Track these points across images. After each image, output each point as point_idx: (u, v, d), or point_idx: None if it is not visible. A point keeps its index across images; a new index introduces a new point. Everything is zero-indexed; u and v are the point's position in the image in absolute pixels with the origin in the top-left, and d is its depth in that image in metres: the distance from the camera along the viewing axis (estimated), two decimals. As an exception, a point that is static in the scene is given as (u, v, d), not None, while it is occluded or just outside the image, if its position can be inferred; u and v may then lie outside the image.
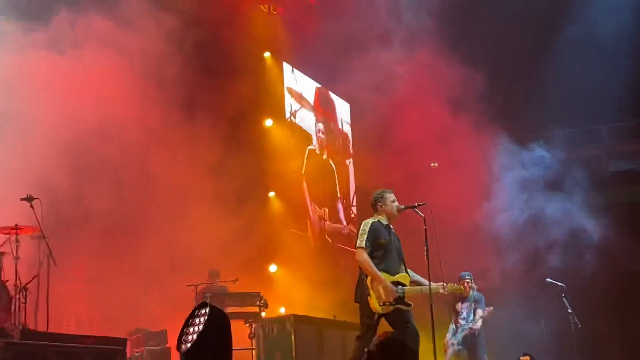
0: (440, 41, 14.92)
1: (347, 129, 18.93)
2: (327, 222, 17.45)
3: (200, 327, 3.67)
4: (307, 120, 17.36)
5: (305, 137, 17.15)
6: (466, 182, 14.45)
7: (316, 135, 17.68)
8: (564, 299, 11.44)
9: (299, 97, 17.13)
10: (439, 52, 14.81)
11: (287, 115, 16.55)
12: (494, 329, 11.13)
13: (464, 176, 14.52)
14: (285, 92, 16.56)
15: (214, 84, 14.00)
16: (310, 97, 17.60)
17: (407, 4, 15.75)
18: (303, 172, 16.69)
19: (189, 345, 3.70)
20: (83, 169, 11.32)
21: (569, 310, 11.34)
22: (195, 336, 3.67)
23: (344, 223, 17.96)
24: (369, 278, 7.56)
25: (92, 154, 11.41)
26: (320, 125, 17.94)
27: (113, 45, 11.63)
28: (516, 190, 14.67)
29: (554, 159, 14.84)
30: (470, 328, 10.65)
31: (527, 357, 8.48)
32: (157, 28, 12.17)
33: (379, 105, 15.84)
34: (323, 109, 18.12)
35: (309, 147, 17.21)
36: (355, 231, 8.00)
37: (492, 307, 10.97)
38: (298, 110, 17.01)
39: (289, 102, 16.65)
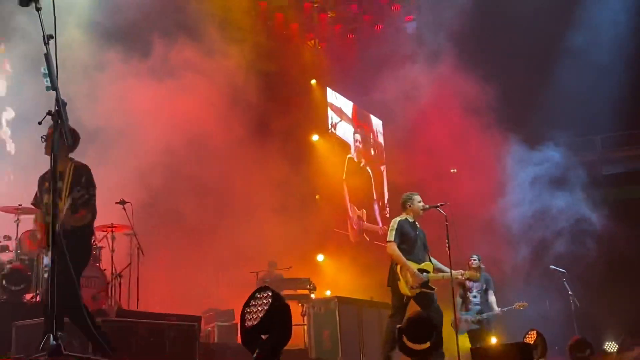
0: (459, 59, 14.72)
1: (380, 138, 18.74)
2: (365, 222, 17.16)
3: (266, 307, 3.73)
4: (346, 131, 17.19)
5: (345, 146, 17.02)
6: (481, 180, 14.29)
7: (354, 144, 17.46)
8: (565, 283, 11.31)
9: (339, 112, 16.99)
10: (458, 69, 14.59)
11: (329, 126, 16.48)
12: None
13: (479, 175, 14.38)
14: (328, 108, 16.56)
15: (275, 107, 14.06)
16: (349, 112, 17.48)
17: (430, 30, 15.63)
18: (343, 177, 16.58)
19: (255, 322, 3.76)
20: (171, 178, 11.49)
21: (570, 293, 11.22)
22: (261, 315, 3.73)
23: (380, 223, 17.49)
24: (398, 266, 7.56)
25: (179, 165, 11.57)
26: (358, 136, 17.72)
27: (200, 72, 11.80)
28: (524, 188, 14.52)
29: (557, 160, 14.64)
30: (495, 315, 10.24)
31: (535, 332, 8.33)
32: (236, 58, 12.31)
33: (408, 117, 15.71)
34: (360, 122, 17.95)
35: (348, 156, 17.04)
36: (388, 229, 7.97)
37: (526, 303, 10.46)
38: (338, 122, 16.86)
39: (330, 116, 16.58)
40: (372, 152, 18.50)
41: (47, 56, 4.16)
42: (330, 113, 16.66)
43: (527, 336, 8.35)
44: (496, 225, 14.12)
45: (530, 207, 14.41)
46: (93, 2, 11.13)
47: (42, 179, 5.75)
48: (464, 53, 14.85)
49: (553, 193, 14.48)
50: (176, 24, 11.96)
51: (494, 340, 10.22)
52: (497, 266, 12.37)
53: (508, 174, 14.70)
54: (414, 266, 7.51)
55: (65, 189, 5.43)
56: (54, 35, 4.16)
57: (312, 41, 16.40)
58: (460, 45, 14.91)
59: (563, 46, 15.52)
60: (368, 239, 16.79)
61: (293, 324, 4.36)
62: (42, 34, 4.16)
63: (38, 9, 4.20)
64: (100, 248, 9.35)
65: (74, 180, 5.47)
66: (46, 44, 4.15)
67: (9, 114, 10.92)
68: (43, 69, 4.25)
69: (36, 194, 5.81)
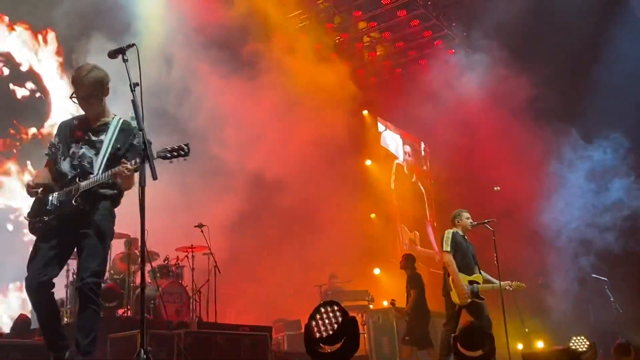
0: (497, 85, 13.80)
1: (428, 158, 17.28)
2: (419, 246, 15.38)
3: (338, 320, 3.86)
4: (392, 141, 15.92)
5: (392, 158, 15.84)
6: (531, 187, 13.57)
7: (404, 157, 16.11)
8: (607, 290, 10.90)
9: (384, 121, 15.89)
10: (506, 76, 13.61)
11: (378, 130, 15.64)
12: (552, 315, 10.56)
13: (522, 190, 13.69)
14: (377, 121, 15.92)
15: (333, 134, 13.95)
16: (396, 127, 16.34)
17: (470, 60, 15.03)
18: (392, 187, 15.58)
19: (325, 334, 3.83)
20: (248, 200, 11.59)
21: (612, 299, 10.82)
22: (333, 327, 3.85)
23: (435, 248, 15.22)
24: (450, 277, 7.38)
25: (257, 189, 11.70)
26: (408, 148, 16.47)
27: (275, 105, 11.94)
28: (569, 196, 13.76)
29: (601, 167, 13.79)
30: None
31: (583, 337, 7.96)
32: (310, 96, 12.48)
33: (454, 140, 14.70)
34: (409, 135, 16.68)
35: (396, 162, 15.80)
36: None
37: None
38: (384, 131, 15.79)
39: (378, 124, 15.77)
40: (424, 166, 16.90)
41: (134, 102, 4.20)
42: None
43: (572, 341, 7.98)
44: (542, 233, 13.45)
45: (576, 217, 13.60)
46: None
47: (66, 126, 4.64)
48: (501, 79, 14.30)
49: (596, 200, 13.66)
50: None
51: (540, 344, 9.88)
52: (544, 276, 11.94)
53: (556, 181, 13.90)
54: (465, 278, 7.32)
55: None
56: (139, 82, 4.21)
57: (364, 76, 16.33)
58: (496, 72, 14.35)
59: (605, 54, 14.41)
60: (422, 265, 15.08)
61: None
62: (129, 82, 4.22)
63: (125, 61, 4.28)
64: (182, 267, 9.45)
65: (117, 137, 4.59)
66: (132, 90, 4.20)
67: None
68: (131, 112, 4.32)
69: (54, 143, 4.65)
